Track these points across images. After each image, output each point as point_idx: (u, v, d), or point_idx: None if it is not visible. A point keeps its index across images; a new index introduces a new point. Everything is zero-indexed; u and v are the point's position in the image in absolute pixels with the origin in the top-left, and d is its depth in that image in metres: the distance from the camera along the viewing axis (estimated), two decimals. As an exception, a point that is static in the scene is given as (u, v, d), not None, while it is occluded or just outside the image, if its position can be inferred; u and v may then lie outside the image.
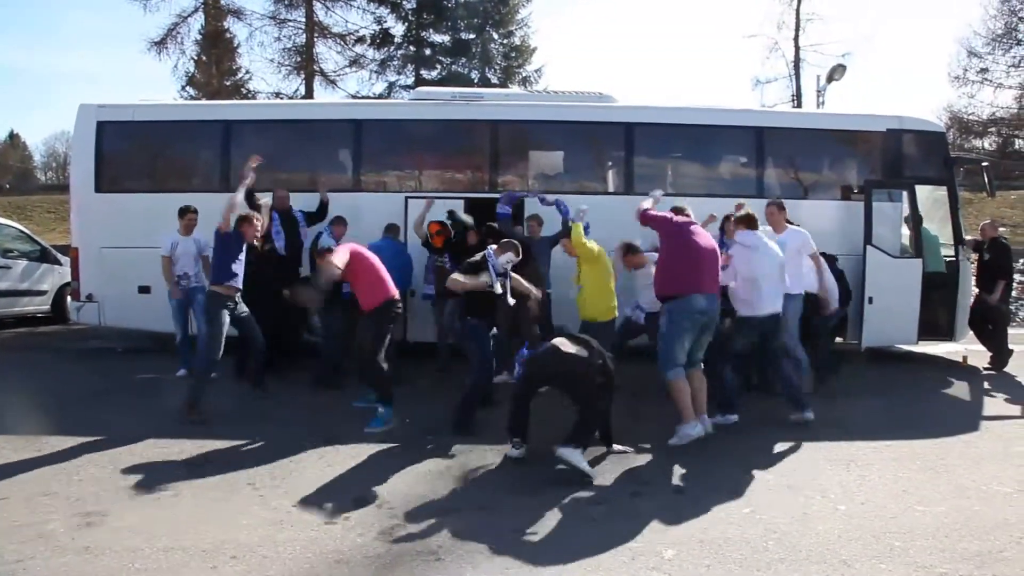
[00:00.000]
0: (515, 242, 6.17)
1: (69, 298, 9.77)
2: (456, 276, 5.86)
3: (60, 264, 11.91)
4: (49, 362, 8.90)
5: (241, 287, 6.51)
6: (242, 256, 6.51)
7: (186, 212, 7.84)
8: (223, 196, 8.40)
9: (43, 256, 12.02)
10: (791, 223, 6.99)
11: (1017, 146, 28.09)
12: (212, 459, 5.21)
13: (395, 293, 6.19)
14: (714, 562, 3.67)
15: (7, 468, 4.95)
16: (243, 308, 6.57)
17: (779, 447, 5.58)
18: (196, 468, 5.01)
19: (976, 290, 9.11)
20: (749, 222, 6.14)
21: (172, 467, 5.04)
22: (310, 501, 4.43)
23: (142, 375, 7.89)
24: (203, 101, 19.87)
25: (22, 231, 12.31)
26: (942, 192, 9.05)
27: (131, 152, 9.54)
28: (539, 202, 8.11)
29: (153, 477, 4.83)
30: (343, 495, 4.51)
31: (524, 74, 24.52)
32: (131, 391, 7.28)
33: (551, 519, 4.20)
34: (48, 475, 4.82)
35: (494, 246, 6.16)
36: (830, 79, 18.73)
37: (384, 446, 5.49)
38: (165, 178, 9.60)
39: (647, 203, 6.00)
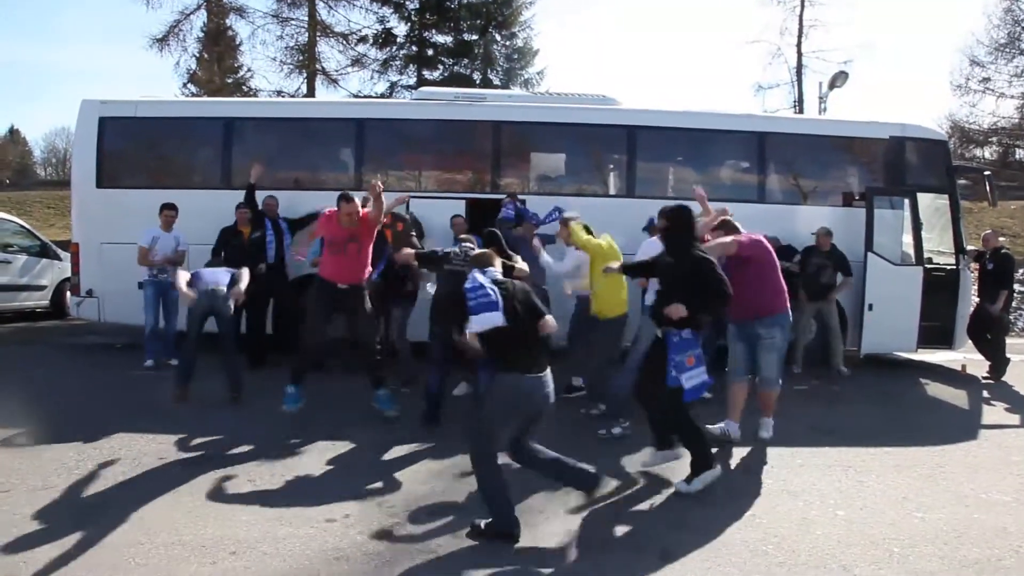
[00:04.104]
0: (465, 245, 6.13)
1: (69, 293, 9.76)
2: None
3: (59, 259, 11.89)
4: (48, 357, 8.88)
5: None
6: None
7: (164, 209, 8.13)
8: (224, 193, 8.57)
9: (43, 251, 12.00)
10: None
11: (1018, 156, 28.13)
12: (211, 455, 5.21)
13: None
14: (714, 565, 3.67)
15: (8, 462, 4.95)
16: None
17: (778, 452, 5.58)
18: (195, 463, 5.01)
19: (976, 299, 9.13)
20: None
21: (172, 462, 5.05)
22: (310, 498, 4.43)
23: (141, 371, 7.87)
24: (205, 98, 19.86)
25: (22, 226, 12.27)
26: (943, 200, 9.05)
27: (133, 148, 9.52)
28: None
29: (153, 472, 4.84)
30: (343, 492, 4.51)
31: (526, 76, 24.46)
32: (130, 386, 7.26)
33: (551, 519, 4.21)
34: (48, 469, 4.81)
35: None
36: (832, 85, 18.81)
37: (385, 444, 5.49)
38: (166, 174, 9.56)
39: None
